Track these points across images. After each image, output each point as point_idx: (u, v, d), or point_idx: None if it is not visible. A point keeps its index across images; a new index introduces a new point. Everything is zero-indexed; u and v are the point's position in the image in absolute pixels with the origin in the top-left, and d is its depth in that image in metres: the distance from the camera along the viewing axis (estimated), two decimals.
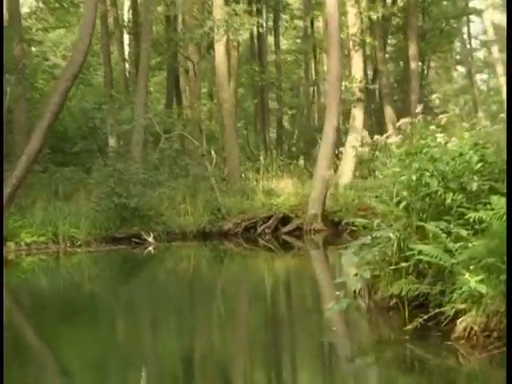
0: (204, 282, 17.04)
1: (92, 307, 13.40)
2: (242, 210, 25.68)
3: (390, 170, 10.06)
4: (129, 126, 26.12)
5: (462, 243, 7.92)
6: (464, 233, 8.04)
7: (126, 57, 40.26)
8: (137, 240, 23.02)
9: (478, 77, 60.21)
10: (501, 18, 55.73)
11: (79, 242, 22.58)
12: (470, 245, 7.72)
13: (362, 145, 11.57)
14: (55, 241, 22.48)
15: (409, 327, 8.22)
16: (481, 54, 62.52)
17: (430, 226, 8.20)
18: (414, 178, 8.70)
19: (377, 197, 10.01)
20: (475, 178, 8.39)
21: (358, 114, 31.23)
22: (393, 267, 8.91)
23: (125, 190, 23.30)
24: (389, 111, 34.13)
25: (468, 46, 53.32)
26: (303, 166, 32.37)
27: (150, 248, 22.62)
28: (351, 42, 31.16)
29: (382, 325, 9.66)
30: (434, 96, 45.37)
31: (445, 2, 42.35)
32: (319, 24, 46.28)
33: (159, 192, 24.33)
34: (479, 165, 8.49)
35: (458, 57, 55.99)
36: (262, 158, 31.51)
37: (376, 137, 11.48)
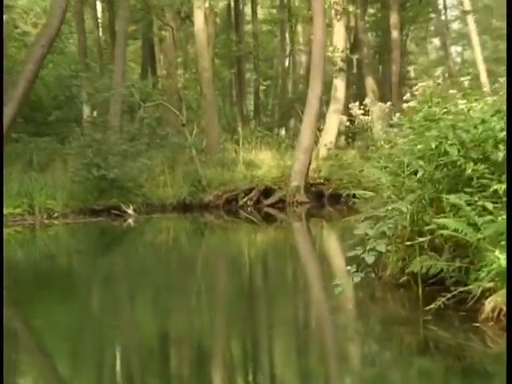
0: (186, 255, 16.49)
1: (68, 281, 12.80)
2: (223, 181, 25.18)
3: (400, 139, 9.50)
4: (108, 94, 25.29)
5: (488, 217, 7.33)
6: (490, 206, 7.46)
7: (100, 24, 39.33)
8: (116, 212, 22.39)
9: (453, 49, 59.78)
10: None
11: (56, 214, 21.89)
12: (499, 219, 7.13)
13: (365, 113, 10.94)
14: (31, 212, 21.75)
15: (431, 306, 7.58)
16: (456, 26, 62.12)
17: (455, 199, 7.60)
18: (433, 145, 8.09)
19: (386, 167, 9.39)
20: (500, 147, 7.82)
21: (339, 84, 30.64)
22: (409, 242, 8.30)
23: (103, 160, 22.60)
24: (370, 81, 33.54)
25: (443, 18, 52.80)
26: (284, 137, 31.68)
27: (130, 220, 22.06)
28: (333, 11, 30.52)
29: (396, 304, 8.99)
30: (411, 67, 44.92)
31: None
32: None
33: (139, 163, 23.60)
34: (503, 133, 7.93)
35: (432, 28, 55.54)
36: (240, 129, 30.88)
37: (379, 104, 10.89)
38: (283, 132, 32.13)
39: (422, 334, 7.44)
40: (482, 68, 41.94)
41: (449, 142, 8.02)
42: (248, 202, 24.71)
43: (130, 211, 22.61)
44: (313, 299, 10.40)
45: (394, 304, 9.08)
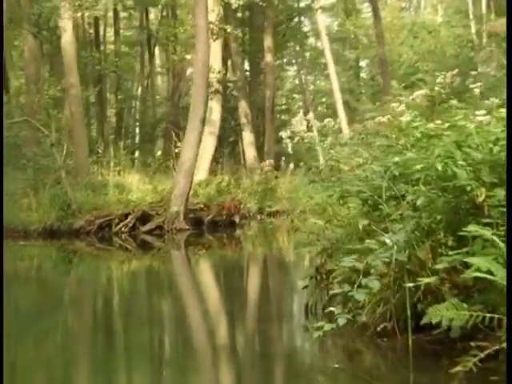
0: (46, 287, 14.40)
1: None
2: (95, 206, 23.25)
3: (365, 159, 8.04)
4: None
5: None
6: None
7: None
8: None
9: (310, 78, 60.04)
10: (330, 21, 55.66)
11: None
12: None
13: (308, 130, 9.62)
14: None
15: (457, 369, 5.93)
16: (311, 54, 62.31)
17: (485, 232, 6.08)
18: (439, 167, 6.61)
19: (361, 192, 7.84)
20: None
21: (215, 107, 29.37)
22: (411, 284, 6.71)
23: None
24: (243, 105, 32.46)
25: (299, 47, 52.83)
26: (152, 159, 30.13)
27: None
28: (209, 31, 29.15)
29: (388, 360, 7.36)
30: (279, 92, 44.50)
31: None
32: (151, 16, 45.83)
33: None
34: None
35: (290, 55, 55.73)
36: (107, 150, 29.04)
37: (327, 120, 9.49)
38: (159, 153, 30.56)
39: None
40: (338, 96, 41.76)
41: (459, 162, 6.55)
42: (123, 229, 22.85)
43: None
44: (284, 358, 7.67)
45: (393, 361, 7.24)
